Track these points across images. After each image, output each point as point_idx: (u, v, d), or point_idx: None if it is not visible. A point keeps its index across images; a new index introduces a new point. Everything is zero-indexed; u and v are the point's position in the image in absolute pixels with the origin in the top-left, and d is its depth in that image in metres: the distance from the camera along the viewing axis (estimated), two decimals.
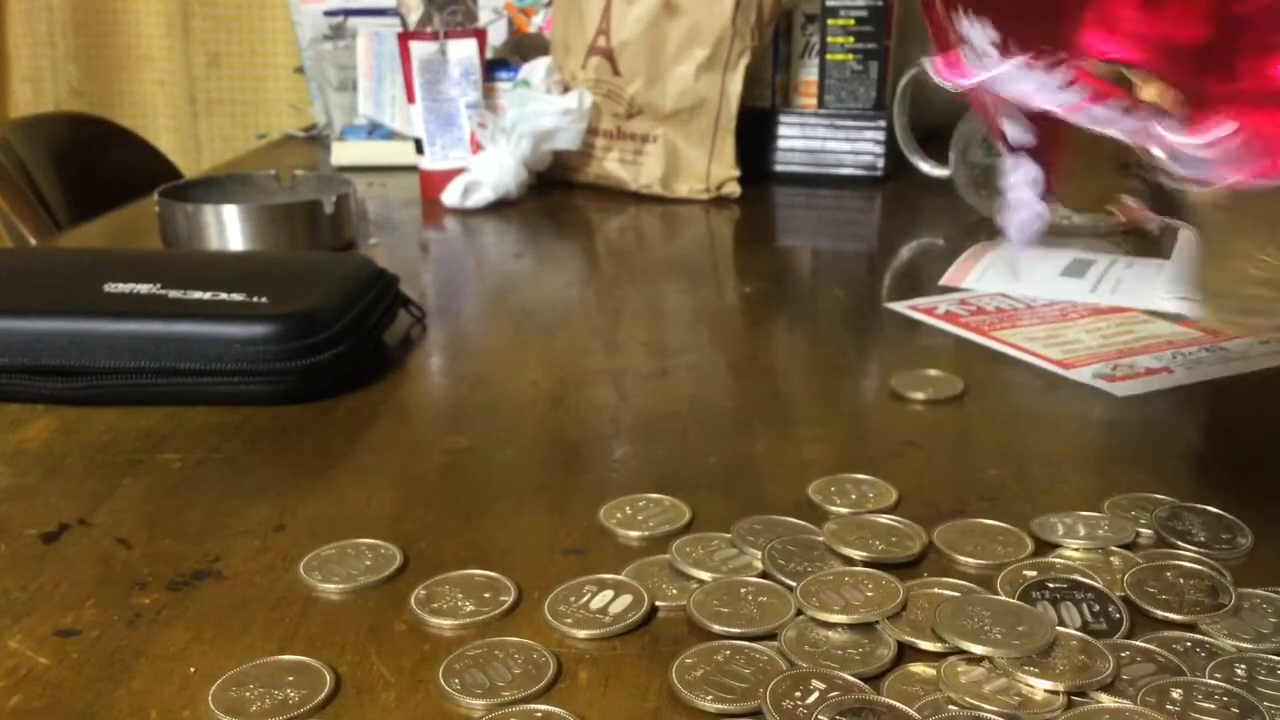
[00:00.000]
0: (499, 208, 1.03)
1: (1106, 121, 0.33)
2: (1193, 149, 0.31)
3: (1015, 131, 0.38)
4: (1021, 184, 0.38)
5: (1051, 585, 0.39)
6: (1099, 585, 0.39)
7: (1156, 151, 0.32)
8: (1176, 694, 0.33)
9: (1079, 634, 0.36)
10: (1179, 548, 0.42)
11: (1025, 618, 0.37)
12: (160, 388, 0.56)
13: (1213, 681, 0.34)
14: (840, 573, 0.40)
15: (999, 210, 0.40)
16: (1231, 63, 0.31)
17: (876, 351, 0.68)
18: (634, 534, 0.44)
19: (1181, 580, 0.40)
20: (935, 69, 0.37)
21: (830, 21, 1.10)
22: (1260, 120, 0.31)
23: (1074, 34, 0.33)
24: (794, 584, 0.39)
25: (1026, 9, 0.35)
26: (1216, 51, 0.31)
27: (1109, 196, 0.42)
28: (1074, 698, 0.33)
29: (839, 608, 0.37)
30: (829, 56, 1.11)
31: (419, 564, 0.42)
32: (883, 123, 1.11)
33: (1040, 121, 0.38)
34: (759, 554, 0.41)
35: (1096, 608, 0.38)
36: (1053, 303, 0.72)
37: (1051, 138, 0.39)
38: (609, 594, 0.39)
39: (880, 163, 1.12)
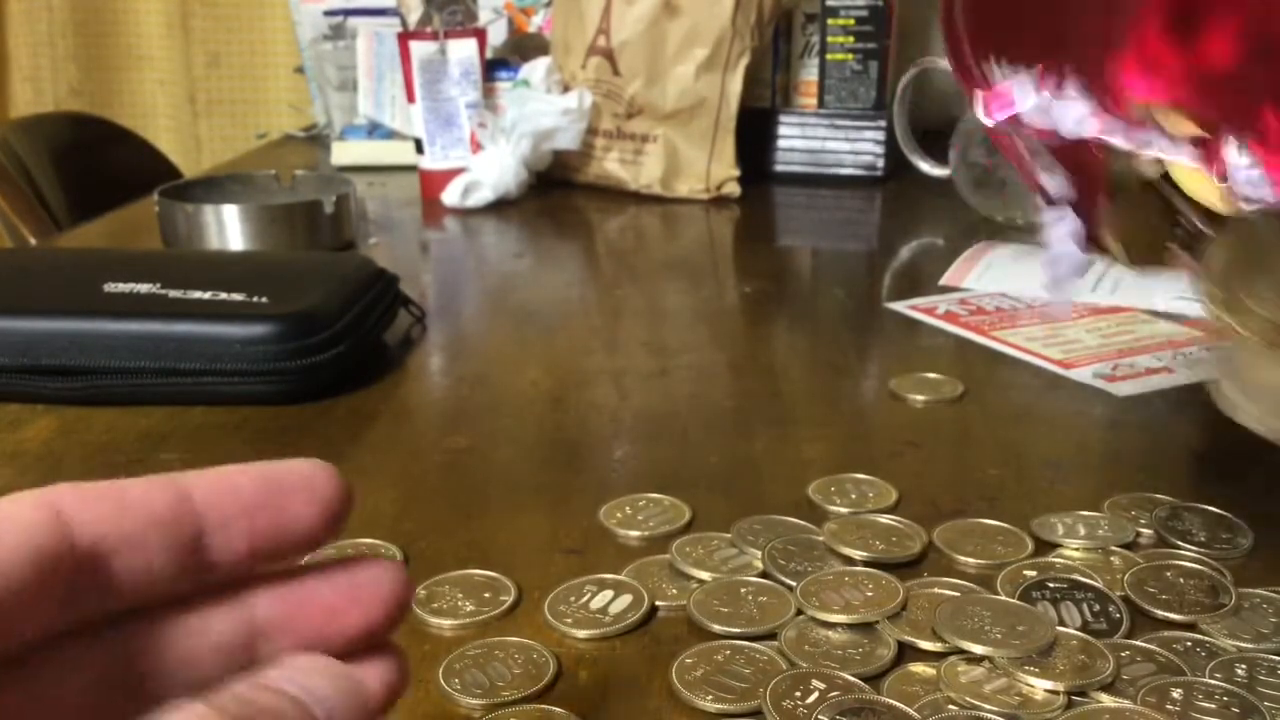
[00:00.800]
0: (499, 208, 1.03)
1: (1154, 147, 0.33)
2: (1250, 170, 0.31)
3: (1054, 185, 0.38)
4: (1062, 236, 0.38)
5: (1051, 585, 0.39)
6: (1099, 585, 0.39)
7: (1213, 173, 0.31)
8: (1177, 694, 0.33)
9: (1079, 634, 0.36)
10: (1179, 548, 0.42)
11: (1025, 618, 0.37)
12: (160, 388, 0.56)
13: (1213, 681, 0.34)
14: (840, 572, 0.40)
15: (1041, 265, 0.40)
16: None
17: (876, 351, 0.68)
18: (634, 534, 0.44)
19: (1181, 580, 0.40)
20: (977, 107, 0.36)
21: (830, 21, 1.10)
22: None
23: (1112, 75, 0.33)
24: (794, 584, 0.39)
25: (1061, 53, 0.34)
26: (1258, 77, 0.31)
27: (1158, 250, 0.42)
28: (1074, 698, 0.33)
29: (839, 607, 0.37)
30: (829, 56, 1.11)
31: (419, 564, 0.42)
32: (883, 123, 1.11)
33: (1078, 171, 0.38)
34: (759, 554, 0.41)
35: (1096, 607, 0.38)
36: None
37: (1090, 189, 0.38)
38: (609, 594, 0.39)
39: (880, 163, 1.12)
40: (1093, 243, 0.40)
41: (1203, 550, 0.42)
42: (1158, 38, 0.32)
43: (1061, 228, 0.38)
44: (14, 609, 0.18)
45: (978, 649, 0.35)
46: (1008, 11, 0.37)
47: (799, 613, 0.38)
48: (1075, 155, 0.38)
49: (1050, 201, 0.38)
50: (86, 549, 0.19)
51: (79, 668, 0.20)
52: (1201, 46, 0.31)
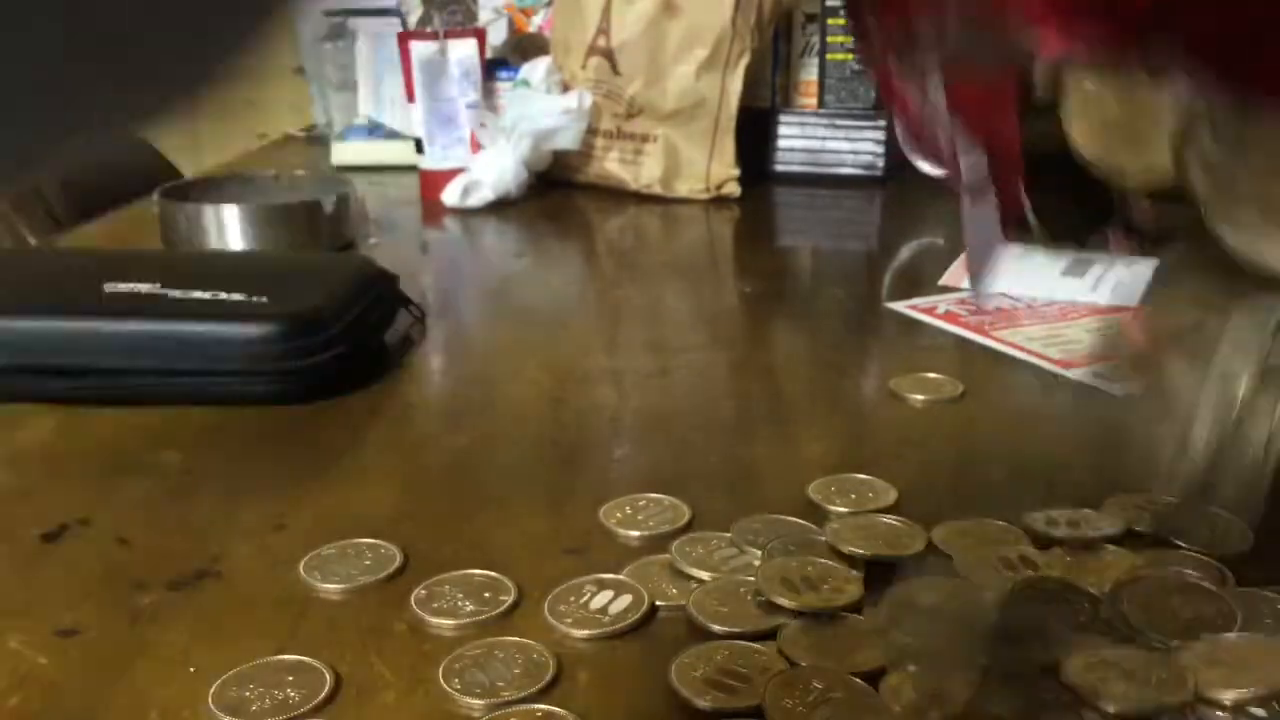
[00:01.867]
0: (499, 208, 1.03)
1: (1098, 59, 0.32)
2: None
3: (971, 165, 0.37)
4: (982, 223, 0.38)
5: (1047, 587, 0.39)
6: (1091, 589, 0.39)
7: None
8: None
9: (1080, 635, 0.36)
10: (1179, 547, 0.42)
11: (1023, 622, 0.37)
12: (160, 388, 0.56)
13: None
14: (804, 560, 0.40)
15: (963, 257, 0.39)
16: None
17: (876, 351, 0.68)
18: (634, 534, 0.44)
19: (1179, 581, 0.39)
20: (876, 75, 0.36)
21: (830, 21, 1.10)
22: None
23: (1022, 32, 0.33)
24: None
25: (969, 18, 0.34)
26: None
27: (1078, 228, 0.42)
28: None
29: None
30: (829, 56, 1.11)
31: (419, 564, 0.42)
32: (883, 123, 1.10)
33: (994, 145, 0.37)
34: (759, 554, 0.41)
35: (1098, 610, 0.38)
36: (1052, 302, 0.72)
37: (1006, 165, 0.38)
38: (609, 594, 0.39)
39: (880, 163, 1.12)
40: (1011, 224, 0.40)
41: (1202, 550, 0.42)
42: None
43: (980, 214, 0.38)
44: None
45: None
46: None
47: (799, 613, 0.38)
48: (991, 121, 0.37)
49: (967, 182, 0.38)
50: None
51: None
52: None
